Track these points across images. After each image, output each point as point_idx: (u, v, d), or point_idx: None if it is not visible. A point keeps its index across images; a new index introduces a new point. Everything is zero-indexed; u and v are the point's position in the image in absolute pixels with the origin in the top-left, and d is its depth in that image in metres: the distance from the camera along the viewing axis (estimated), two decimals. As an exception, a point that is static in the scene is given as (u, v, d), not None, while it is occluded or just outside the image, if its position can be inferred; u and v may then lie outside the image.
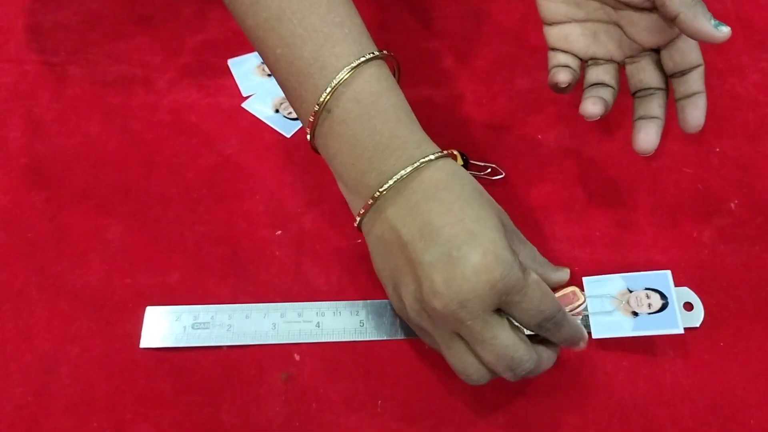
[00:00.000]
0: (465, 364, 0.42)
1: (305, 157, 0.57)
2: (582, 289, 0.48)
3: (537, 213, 0.54)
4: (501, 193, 0.55)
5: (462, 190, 0.42)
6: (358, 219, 0.44)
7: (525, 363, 0.41)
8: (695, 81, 0.47)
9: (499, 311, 0.40)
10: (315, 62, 0.42)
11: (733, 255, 0.52)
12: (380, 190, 0.42)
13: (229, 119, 0.60)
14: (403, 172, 0.41)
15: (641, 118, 0.48)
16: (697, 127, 0.47)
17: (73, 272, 0.52)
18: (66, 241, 0.53)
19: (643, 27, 0.47)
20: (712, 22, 0.43)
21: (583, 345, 0.44)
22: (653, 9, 0.46)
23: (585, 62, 0.50)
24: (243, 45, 0.63)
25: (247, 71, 0.62)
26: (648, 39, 0.47)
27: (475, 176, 0.55)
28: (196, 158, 0.57)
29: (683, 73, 0.47)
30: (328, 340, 0.49)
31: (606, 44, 0.49)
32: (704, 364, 0.48)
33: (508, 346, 0.40)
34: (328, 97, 0.42)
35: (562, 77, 0.49)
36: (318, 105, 0.42)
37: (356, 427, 0.46)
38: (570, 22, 0.49)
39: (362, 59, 0.42)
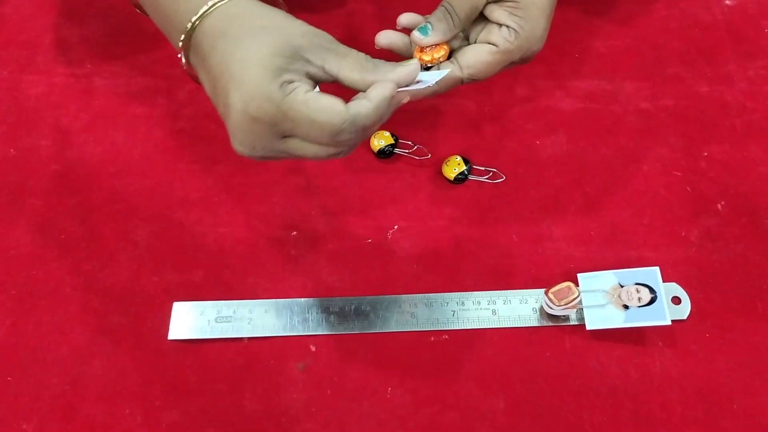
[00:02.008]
0: (307, 157, 0.42)
1: (318, 162, 0.60)
2: (577, 284, 0.51)
3: (535, 214, 0.58)
4: (502, 195, 0.59)
5: (239, 30, 0.41)
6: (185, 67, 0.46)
7: (331, 157, 0.42)
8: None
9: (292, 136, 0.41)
10: None
11: (720, 253, 0.55)
12: (180, 43, 0.43)
13: (246, 127, 0.63)
14: (191, 22, 0.42)
15: None
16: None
17: (103, 271, 0.55)
18: (96, 242, 0.56)
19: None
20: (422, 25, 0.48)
21: (405, 100, 0.43)
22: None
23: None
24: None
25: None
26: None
27: (477, 180, 0.59)
28: (215, 164, 0.61)
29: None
30: (342, 333, 0.52)
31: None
32: (692, 354, 0.51)
33: (308, 155, 0.41)
34: None
35: (381, 40, 0.50)
36: None
37: (368, 412, 0.49)
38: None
39: None
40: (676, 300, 0.53)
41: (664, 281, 0.51)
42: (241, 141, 0.41)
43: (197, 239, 0.57)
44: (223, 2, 0.42)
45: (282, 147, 0.41)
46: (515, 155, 0.61)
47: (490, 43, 0.49)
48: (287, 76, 0.40)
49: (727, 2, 0.70)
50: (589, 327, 0.50)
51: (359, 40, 0.67)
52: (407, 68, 0.43)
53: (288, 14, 0.43)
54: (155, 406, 0.50)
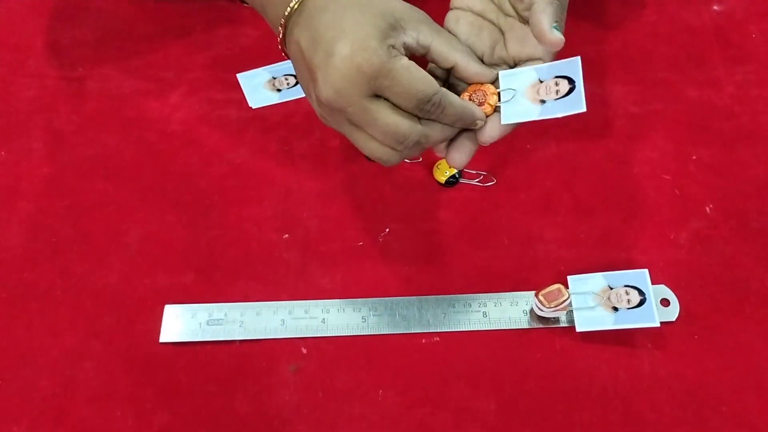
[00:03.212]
0: (369, 147, 0.45)
1: (310, 166, 0.61)
2: (566, 287, 0.52)
3: (526, 217, 0.58)
4: (492, 198, 0.59)
5: (348, 1, 0.44)
6: (280, 45, 0.49)
7: (410, 136, 0.44)
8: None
9: (379, 97, 0.44)
10: None
11: (708, 255, 0.56)
12: (285, 13, 0.46)
13: (238, 130, 0.63)
14: None
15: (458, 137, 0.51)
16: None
17: (95, 273, 0.55)
18: (88, 245, 0.57)
19: (517, 36, 0.50)
20: (554, 24, 0.47)
21: (480, 123, 0.47)
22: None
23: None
24: (250, 60, 0.66)
25: (257, 85, 0.65)
26: (516, 48, 0.50)
27: (468, 183, 0.59)
28: (207, 167, 0.61)
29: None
30: (333, 335, 0.52)
31: (483, 41, 0.51)
32: (680, 356, 0.52)
33: (389, 125, 0.43)
34: None
35: None
36: None
37: (360, 414, 0.50)
38: (467, 10, 0.52)
39: None
40: (665, 302, 0.53)
41: (653, 283, 0.52)
42: (334, 85, 0.42)
43: (189, 242, 0.57)
44: None
45: (367, 105, 0.43)
46: (506, 159, 0.61)
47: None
48: (391, 41, 0.43)
49: (716, 8, 0.71)
50: (578, 329, 0.50)
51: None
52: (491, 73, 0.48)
53: None
54: (146, 408, 0.50)
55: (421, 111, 0.44)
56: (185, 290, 0.54)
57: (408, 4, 0.47)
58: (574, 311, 0.51)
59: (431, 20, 0.48)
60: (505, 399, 0.50)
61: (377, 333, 0.53)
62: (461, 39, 0.52)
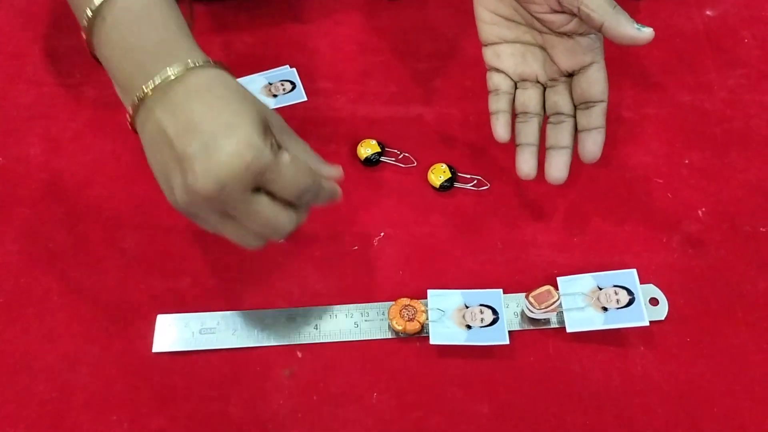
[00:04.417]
0: (239, 236, 0.46)
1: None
2: (557, 288, 0.52)
3: (519, 221, 0.58)
4: (486, 202, 0.59)
5: (224, 91, 0.44)
6: (129, 118, 0.47)
7: (286, 227, 0.45)
8: (597, 116, 0.52)
9: (259, 190, 0.44)
10: None
11: (701, 259, 0.56)
12: (144, 88, 0.44)
13: (233, 136, 0.63)
14: (166, 75, 0.44)
15: (552, 147, 0.53)
16: (593, 160, 0.52)
17: (90, 279, 0.56)
18: (84, 251, 0.57)
19: (562, 50, 0.52)
20: (635, 25, 0.47)
21: (338, 198, 0.48)
22: (573, 34, 0.51)
23: (515, 83, 0.56)
24: (246, 67, 0.67)
25: (253, 91, 0.65)
26: (566, 61, 0.52)
27: (462, 187, 0.59)
28: (203, 173, 0.61)
29: (587, 106, 0.52)
30: (326, 341, 0.53)
31: (531, 64, 0.54)
32: (672, 358, 0.52)
33: (269, 218, 0.44)
34: (101, 3, 0.45)
35: (501, 133, 0.54)
36: (91, 11, 0.46)
37: (354, 417, 0.50)
38: (502, 42, 0.54)
39: None
40: (654, 301, 0.54)
41: (641, 283, 0.52)
42: (218, 180, 0.41)
43: (184, 247, 0.57)
44: (205, 65, 0.45)
45: (249, 198, 0.43)
46: (500, 163, 0.61)
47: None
48: (270, 138, 0.44)
49: (708, 13, 0.71)
50: (569, 329, 0.51)
51: (344, 50, 0.68)
52: (335, 170, 0.48)
53: None
54: (142, 413, 0.50)
55: (300, 200, 0.45)
56: (180, 296, 0.55)
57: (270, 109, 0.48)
58: (564, 312, 0.51)
59: (289, 127, 0.48)
60: (499, 402, 0.50)
61: (370, 338, 0.53)
62: (509, 72, 0.55)
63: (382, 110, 0.65)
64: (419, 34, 0.70)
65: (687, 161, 0.61)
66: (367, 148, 0.61)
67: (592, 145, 0.52)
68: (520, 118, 0.55)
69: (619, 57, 0.68)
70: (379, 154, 0.61)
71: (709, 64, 0.68)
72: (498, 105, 0.55)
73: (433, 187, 0.60)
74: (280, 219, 0.45)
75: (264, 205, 0.44)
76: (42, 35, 0.70)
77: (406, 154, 0.62)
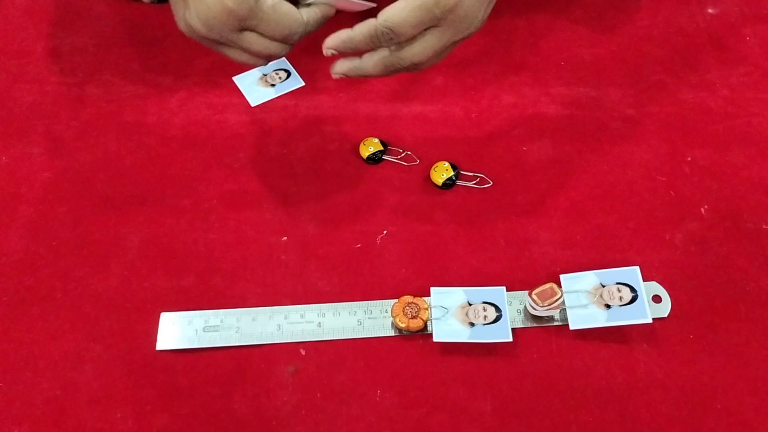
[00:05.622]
0: (238, 58, 0.50)
1: (308, 169, 0.61)
2: (559, 285, 0.52)
3: (522, 218, 0.58)
4: (489, 200, 0.59)
5: None
6: None
7: (279, 53, 0.49)
8: None
9: (247, 29, 0.47)
10: None
11: (703, 255, 0.56)
12: None
13: (236, 134, 0.64)
14: None
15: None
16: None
17: (94, 277, 0.56)
18: (88, 249, 0.57)
19: None
20: None
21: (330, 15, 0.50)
22: None
23: None
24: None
25: (251, 83, 0.66)
26: None
27: (465, 185, 0.59)
28: (206, 171, 0.61)
29: None
30: (330, 339, 0.53)
31: None
32: (675, 355, 0.52)
33: (260, 50, 0.48)
34: None
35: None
36: None
37: (358, 414, 0.50)
38: None
39: None
40: (657, 298, 0.54)
41: (644, 280, 0.52)
42: (205, 22, 0.46)
43: (188, 245, 0.57)
44: None
45: (235, 38, 0.47)
46: (502, 161, 0.62)
47: None
48: None
49: (710, 11, 0.71)
50: (572, 327, 0.51)
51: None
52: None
53: None
54: (146, 410, 0.50)
55: (287, 40, 0.48)
56: (184, 293, 0.55)
57: None
58: (567, 309, 0.52)
59: None
60: (502, 399, 0.50)
61: (373, 336, 0.53)
62: None
63: (384, 108, 0.65)
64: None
65: (689, 159, 0.62)
66: (370, 147, 0.61)
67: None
68: None
69: (620, 55, 0.68)
70: (382, 152, 0.61)
71: (710, 62, 0.68)
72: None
73: (436, 185, 0.60)
74: (271, 49, 0.48)
75: (253, 40, 0.47)
76: (45, 34, 0.70)
77: (409, 153, 0.62)
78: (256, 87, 0.66)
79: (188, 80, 0.67)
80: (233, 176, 0.61)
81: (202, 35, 0.47)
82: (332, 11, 0.50)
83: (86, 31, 0.70)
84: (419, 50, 0.48)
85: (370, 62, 0.49)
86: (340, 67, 0.50)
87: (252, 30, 0.47)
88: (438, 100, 0.66)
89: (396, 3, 0.47)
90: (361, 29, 0.48)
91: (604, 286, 0.52)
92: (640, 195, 0.60)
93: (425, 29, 0.47)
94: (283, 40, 0.48)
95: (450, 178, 0.59)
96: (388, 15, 0.47)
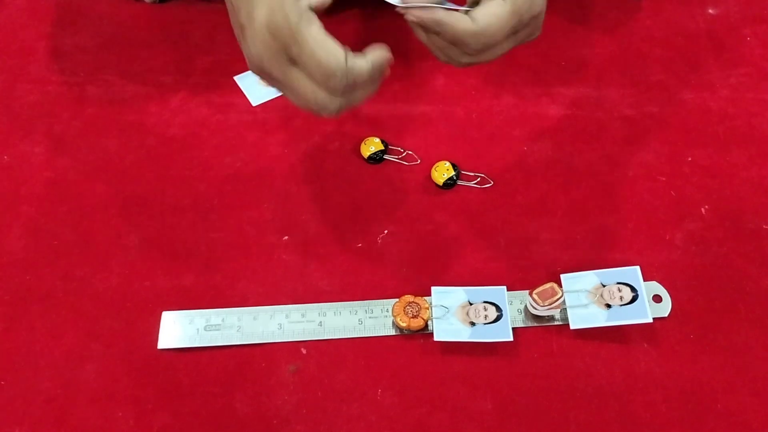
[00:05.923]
0: (297, 103, 0.45)
1: (309, 169, 0.61)
2: (560, 285, 0.52)
3: (523, 218, 0.59)
4: (489, 200, 0.59)
5: None
6: None
7: (328, 107, 0.44)
8: None
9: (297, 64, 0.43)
10: None
11: (703, 256, 0.56)
12: None
13: (237, 134, 0.64)
14: None
15: None
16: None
17: (95, 276, 0.56)
18: (88, 248, 0.57)
19: None
20: None
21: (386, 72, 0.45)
22: None
23: None
24: (245, 65, 0.67)
25: (252, 83, 0.66)
26: None
27: (465, 185, 0.60)
28: (207, 170, 0.61)
29: None
30: (330, 338, 0.53)
31: None
32: (675, 355, 0.52)
33: (308, 94, 0.43)
34: None
35: None
36: None
37: (358, 413, 0.50)
38: None
39: None
40: (657, 298, 0.54)
41: (644, 280, 0.52)
42: (256, 51, 0.43)
43: (189, 245, 0.57)
44: None
45: (287, 71, 0.43)
46: (503, 161, 0.62)
47: None
48: (304, 1, 0.43)
49: (710, 11, 0.72)
50: (573, 326, 0.51)
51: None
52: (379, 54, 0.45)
53: None
54: (147, 409, 0.50)
55: (330, 88, 0.43)
56: (185, 293, 0.55)
57: None
58: (567, 309, 0.52)
59: None
60: (502, 398, 0.50)
61: (374, 335, 0.53)
62: None
63: (385, 108, 0.65)
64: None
65: (690, 159, 0.62)
66: (371, 146, 0.61)
67: None
68: None
69: (620, 55, 0.68)
70: (383, 152, 0.61)
71: (711, 62, 0.68)
72: None
73: (437, 185, 0.60)
74: (318, 96, 0.44)
75: (300, 80, 0.43)
76: (46, 34, 0.70)
77: (410, 152, 0.62)
78: (257, 86, 0.66)
79: (189, 80, 0.67)
80: (234, 176, 0.61)
81: (258, 65, 0.44)
82: (385, 65, 0.45)
83: (87, 31, 0.71)
84: (493, 56, 0.47)
85: (435, 44, 0.47)
86: (421, 13, 0.45)
87: (296, 63, 0.43)
88: (439, 100, 0.66)
89: (488, 8, 0.45)
90: (454, 24, 0.45)
91: (604, 286, 0.52)
92: (640, 195, 0.60)
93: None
94: (323, 83, 0.43)
95: (451, 178, 0.59)
96: (485, 22, 0.45)
